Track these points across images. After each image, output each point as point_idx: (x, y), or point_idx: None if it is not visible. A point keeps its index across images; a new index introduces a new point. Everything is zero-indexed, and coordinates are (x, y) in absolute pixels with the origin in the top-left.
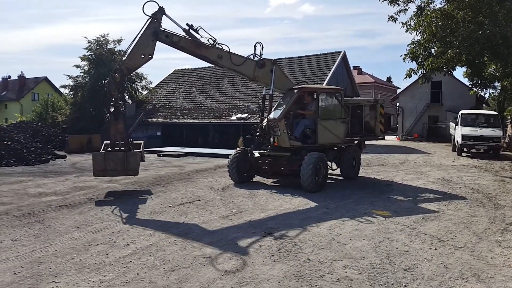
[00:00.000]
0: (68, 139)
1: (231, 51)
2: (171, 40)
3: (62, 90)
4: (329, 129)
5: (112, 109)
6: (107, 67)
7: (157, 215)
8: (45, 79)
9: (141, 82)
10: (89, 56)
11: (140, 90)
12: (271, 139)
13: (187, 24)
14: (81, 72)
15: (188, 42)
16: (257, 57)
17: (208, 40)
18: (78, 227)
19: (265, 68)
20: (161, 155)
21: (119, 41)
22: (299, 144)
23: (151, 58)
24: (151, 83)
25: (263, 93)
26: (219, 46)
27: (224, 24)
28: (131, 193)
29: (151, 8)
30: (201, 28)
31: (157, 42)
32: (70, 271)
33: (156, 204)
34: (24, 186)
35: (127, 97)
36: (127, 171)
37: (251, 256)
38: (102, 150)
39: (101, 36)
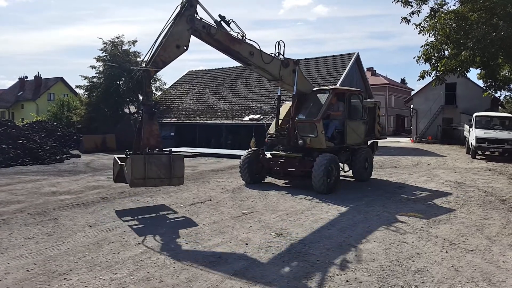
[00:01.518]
0: (83, 139)
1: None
2: (208, 31)
3: (77, 90)
4: (354, 130)
5: (143, 108)
6: (122, 68)
7: (169, 214)
8: (61, 79)
9: (156, 83)
10: (104, 57)
11: (154, 91)
12: (300, 141)
13: (219, 16)
14: (96, 73)
15: (223, 35)
16: (281, 56)
17: (237, 35)
18: (90, 226)
19: (288, 68)
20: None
21: (134, 42)
22: (332, 144)
23: (186, 50)
24: (165, 84)
25: (279, 94)
26: (250, 42)
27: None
28: (143, 193)
29: None
30: (232, 21)
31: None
32: (82, 269)
33: (168, 204)
34: (39, 185)
35: (141, 97)
36: (173, 179)
37: (261, 256)
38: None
39: (116, 37)
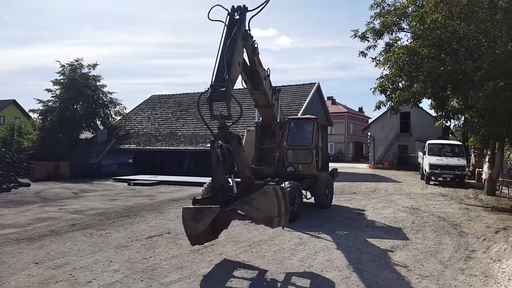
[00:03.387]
0: (34, 166)
1: None
2: (253, 49)
3: (31, 114)
4: (322, 156)
5: (226, 134)
6: (79, 91)
7: (123, 249)
8: (13, 102)
9: (115, 108)
10: (62, 81)
11: (113, 116)
12: (290, 168)
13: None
14: (52, 96)
15: (258, 56)
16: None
17: None
18: (36, 263)
19: (275, 95)
20: (132, 183)
21: (94, 65)
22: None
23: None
24: (125, 108)
25: (256, 120)
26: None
27: (207, 52)
28: (96, 226)
29: (217, 13)
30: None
31: None
32: None
33: (122, 237)
34: None
35: (99, 122)
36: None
37: None
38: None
39: (75, 60)
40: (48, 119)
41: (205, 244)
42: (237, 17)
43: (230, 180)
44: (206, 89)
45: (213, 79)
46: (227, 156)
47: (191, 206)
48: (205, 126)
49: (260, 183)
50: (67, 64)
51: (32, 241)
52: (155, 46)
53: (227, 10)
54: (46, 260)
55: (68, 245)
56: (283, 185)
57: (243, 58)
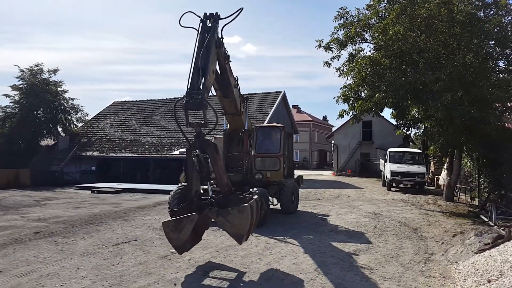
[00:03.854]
0: None
1: None
2: (225, 55)
3: None
4: (288, 163)
5: (203, 142)
6: (40, 97)
7: (90, 256)
8: None
9: (77, 114)
10: (21, 86)
11: (75, 122)
12: (258, 175)
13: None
14: (11, 102)
15: (229, 64)
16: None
17: None
18: (0, 271)
19: (243, 103)
20: (96, 191)
21: (55, 71)
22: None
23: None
24: (87, 115)
25: (225, 128)
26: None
27: (168, 58)
28: (61, 233)
29: (188, 20)
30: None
31: None
32: None
33: (89, 245)
34: None
35: (60, 129)
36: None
37: None
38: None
39: (35, 65)
40: (7, 125)
41: (172, 250)
42: (210, 24)
43: (206, 185)
44: (182, 96)
45: (188, 87)
46: (203, 164)
47: (170, 219)
48: (170, 134)
49: (240, 194)
50: (27, 69)
51: None
52: (116, 51)
53: (199, 17)
54: (10, 268)
55: (33, 253)
56: (257, 197)
57: (216, 66)
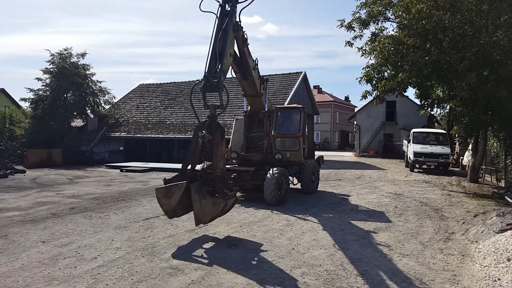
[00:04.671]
0: (27, 153)
1: None
2: (243, 38)
3: (22, 103)
4: (308, 144)
5: (212, 125)
6: (70, 80)
7: (123, 229)
8: (2, 90)
9: (104, 96)
10: (52, 69)
11: (102, 105)
12: (278, 155)
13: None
14: (42, 85)
15: (248, 47)
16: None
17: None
18: (43, 242)
19: (263, 85)
20: (124, 170)
21: (83, 55)
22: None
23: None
24: (114, 97)
25: (245, 109)
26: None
27: (189, 40)
28: (94, 209)
29: (208, 4)
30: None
31: None
32: (39, 284)
33: (121, 219)
34: None
35: (89, 111)
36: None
37: (216, 266)
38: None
39: (64, 49)
40: (39, 108)
41: (200, 225)
42: (228, 8)
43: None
44: (200, 80)
45: (206, 70)
46: (206, 145)
47: (162, 186)
48: (193, 115)
49: (227, 186)
50: (57, 53)
51: (36, 223)
52: (137, 34)
53: (218, 1)
54: (52, 240)
55: (71, 226)
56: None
57: (234, 49)
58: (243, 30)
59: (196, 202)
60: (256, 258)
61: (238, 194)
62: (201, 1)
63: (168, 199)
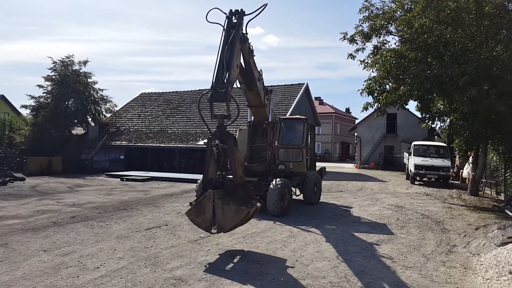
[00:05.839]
0: (27, 161)
1: None
2: (250, 50)
3: (22, 110)
4: (310, 155)
5: (223, 134)
6: (71, 88)
7: (125, 239)
8: (2, 97)
9: (106, 105)
10: (53, 77)
11: (104, 113)
12: (281, 166)
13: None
14: (43, 93)
15: (253, 59)
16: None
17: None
18: (45, 250)
19: (267, 96)
20: (125, 179)
21: (85, 62)
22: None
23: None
24: (115, 106)
25: (249, 119)
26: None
27: (192, 50)
28: (96, 218)
29: (214, 16)
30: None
31: None
32: None
33: (122, 229)
34: None
35: (90, 119)
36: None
37: (220, 277)
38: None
39: (66, 57)
40: (40, 115)
41: (202, 235)
42: (235, 20)
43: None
44: (207, 90)
45: (213, 81)
46: (221, 155)
47: (191, 207)
48: (195, 125)
49: (250, 192)
50: (59, 60)
51: (37, 231)
52: (140, 43)
53: (225, 13)
54: (53, 248)
55: (72, 235)
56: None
57: (240, 61)
58: (249, 41)
59: (218, 209)
60: (259, 270)
61: (258, 204)
62: (208, 13)
63: (202, 215)
